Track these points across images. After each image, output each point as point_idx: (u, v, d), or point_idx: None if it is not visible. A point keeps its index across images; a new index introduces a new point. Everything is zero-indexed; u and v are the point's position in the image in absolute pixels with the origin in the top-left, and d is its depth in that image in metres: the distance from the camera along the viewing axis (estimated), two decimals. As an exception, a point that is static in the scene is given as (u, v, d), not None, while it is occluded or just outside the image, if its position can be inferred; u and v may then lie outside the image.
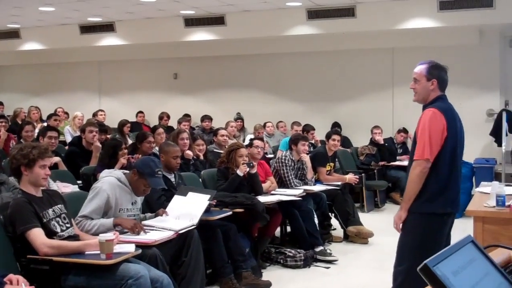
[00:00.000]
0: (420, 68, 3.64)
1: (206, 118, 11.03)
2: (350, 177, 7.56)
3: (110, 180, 4.23)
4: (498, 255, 2.11)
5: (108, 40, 12.38)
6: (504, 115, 9.24)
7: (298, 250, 6.08)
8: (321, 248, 6.26)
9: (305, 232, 6.27)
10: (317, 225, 6.44)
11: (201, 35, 11.49)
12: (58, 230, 3.66)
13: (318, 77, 11.61)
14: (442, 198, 3.51)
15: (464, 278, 1.61)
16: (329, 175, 7.55)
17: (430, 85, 3.59)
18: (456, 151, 3.57)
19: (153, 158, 4.51)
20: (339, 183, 7.41)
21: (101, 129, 7.61)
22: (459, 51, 10.36)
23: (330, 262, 6.14)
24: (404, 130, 10.10)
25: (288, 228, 6.73)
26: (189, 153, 6.73)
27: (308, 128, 9.54)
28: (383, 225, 6.59)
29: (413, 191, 3.49)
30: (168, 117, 11.92)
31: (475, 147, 10.06)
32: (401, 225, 3.59)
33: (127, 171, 4.51)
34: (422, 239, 3.50)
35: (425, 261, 1.54)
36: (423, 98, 3.65)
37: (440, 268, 1.55)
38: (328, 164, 7.56)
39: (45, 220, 3.59)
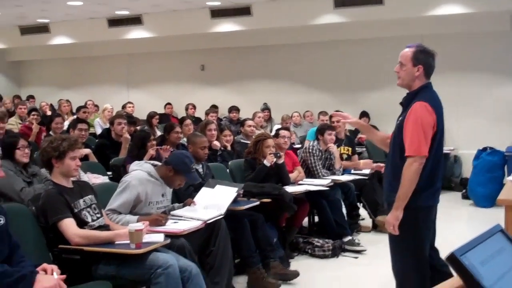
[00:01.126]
0: (407, 52, 3.49)
1: (233, 109, 11.06)
2: (365, 162, 7.43)
3: (139, 175, 4.25)
4: (528, 244, 2.07)
5: (136, 33, 12.47)
6: (536, 102, 9.06)
7: (326, 240, 6.07)
8: (349, 238, 6.25)
9: (333, 222, 6.26)
10: (345, 215, 6.42)
11: (227, 26, 11.48)
12: (89, 220, 3.71)
13: (346, 66, 11.52)
14: (427, 192, 3.42)
15: (493, 268, 1.59)
16: (347, 160, 7.46)
17: (416, 71, 3.45)
18: (441, 145, 3.48)
19: (186, 154, 4.56)
20: (368, 171, 7.34)
21: (130, 121, 7.69)
22: (490, 38, 10.16)
23: (358, 252, 6.13)
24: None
25: (316, 218, 6.72)
26: (216, 143, 6.76)
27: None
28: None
29: (411, 189, 3.34)
30: (194, 106, 11.98)
31: (507, 135, 9.89)
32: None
33: (157, 163, 4.54)
34: (414, 232, 3.43)
35: (452, 250, 1.53)
36: (407, 84, 3.51)
37: (468, 257, 1.53)
38: (342, 147, 7.45)
39: (76, 210, 3.65)
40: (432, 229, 3.62)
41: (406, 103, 3.53)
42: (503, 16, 9.81)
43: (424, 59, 3.46)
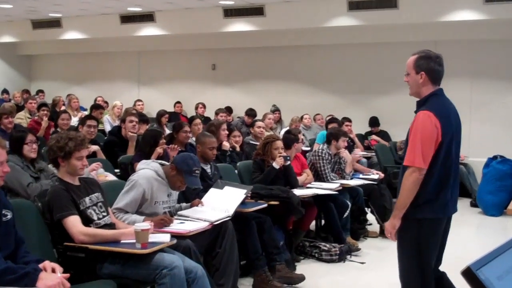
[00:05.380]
0: (410, 60, 3.43)
1: (251, 114, 10.78)
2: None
3: (147, 174, 4.21)
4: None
5: (148, 30, 12.46)
6: (549, 111, 8.97)
7: (333, 244, 6.03)
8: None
9: (339, 226, 6.22)
10: (348, 220, 6.40)
11: (240, 25, 11.45)
12: (95, 218, 3.67)
13: (358, 70, 11.46)
14: (432, 204, 3.34)
15: (509, 283, 1.54)
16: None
17: (419, 78, 3.38)
18: (450, 155, 3.36)
19: (192, 156, 4.46)
20: (377, 177, 7.30)
21: (142, 119, 7.66)
22: (505, 45, 10.08)
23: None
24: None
25: (323, 222, 6.67)
26: (226, 144, 6.73)
27: (343, 120, 9.42)
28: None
29: (409, 199, 3.30)
30: (204, 106, 11.94)
31: (518, 143, 9.81)
32: (395, 233, 3.40)
33: (165, 162, 4.49)
34: (417, 244, 3.37)
35: (468, 264, 1.48)
36: (415, 92, 3.46)
37: (483, 272, 1.48)
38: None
39: (82, 208, 3.61)
40: (441, 241, 3.52)
41: (416, 112, 3.45)
42: (518, 24, 9.73)
43: (424, 64, 3.38)
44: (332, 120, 8.96)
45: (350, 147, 8.02)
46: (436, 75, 3.41)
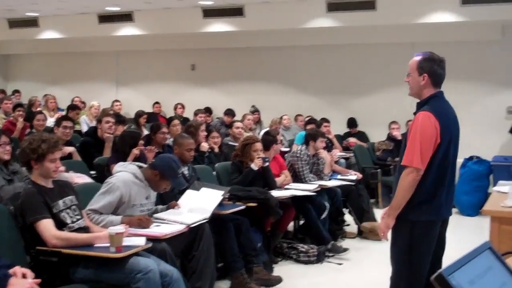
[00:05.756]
0: (413, 61, 3.44)
1: (229, 113, 10.84)
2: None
3: (124, 177, 4.16)
4: (516, 262, 2.02)
5: (126, 30, 12.35)
6: (525, 112, 9.08)
7: (311, 246, 6.03)
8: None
9: (321, 226, 6.21)
10: (327, 221, 6.40)
11: (219, 26, 11.40)
12: (69, 221, 3.62)
13: (336, 71, 11.47)
14: (427, 206, 3.32)
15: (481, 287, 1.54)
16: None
17: (421, 80, 3.39)
18: (448, 157, 3.37)
19: (173, 158, 4.46)
20: (355, 177, 7.33)
21: (118, 119, 7.58)
22: (481, 47, 10.16)
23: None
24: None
25: (301, 223, 6.67)
26: (205, 145, 6.69)
27: (321, 121, 9.43)
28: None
29: (404, 199, 3.29)
30: (183, 106, 11.87)
31: (494, 144, 9.90)
32: (389, 233, 3.42)
33: (143, 165, 4.44)
34: (409, 245, 3.36)
35: (440, 270, 1.48)
36: (416, 93, 3.46)
37: (455, 278, 1.48)
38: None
39: (55, 211, 3.56)
40: (438, 244, 3.48)
41: (416, 113, 3.44)
42: (494, 26, 9.82)
43: (428, 67, 3.39)
44: (311, 121, 8.97)
45: (329, 148, 8.05)
46: (438, 78, 3.43)
